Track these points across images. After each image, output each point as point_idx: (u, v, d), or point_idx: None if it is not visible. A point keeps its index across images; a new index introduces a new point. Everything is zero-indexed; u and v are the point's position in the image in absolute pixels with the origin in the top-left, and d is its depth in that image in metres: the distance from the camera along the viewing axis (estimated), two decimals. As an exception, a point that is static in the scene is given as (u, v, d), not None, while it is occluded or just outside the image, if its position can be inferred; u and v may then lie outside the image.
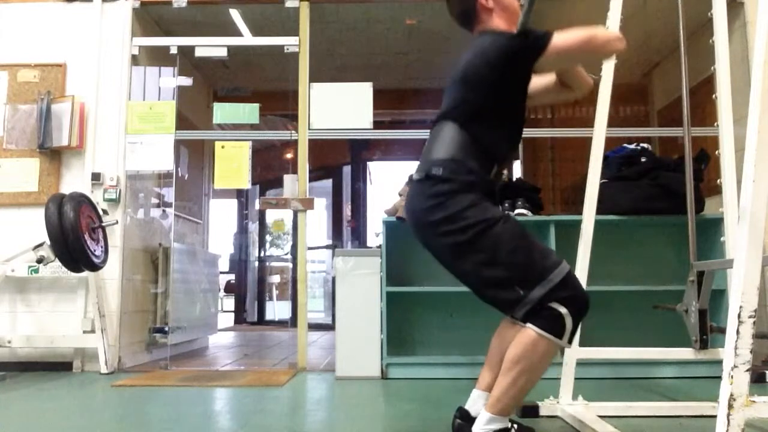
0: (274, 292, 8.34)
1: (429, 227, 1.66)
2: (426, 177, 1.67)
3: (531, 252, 1.60)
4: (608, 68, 2.26)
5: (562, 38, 1.60)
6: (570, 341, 1.58)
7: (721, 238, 2.44)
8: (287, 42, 3.70)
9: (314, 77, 3.70)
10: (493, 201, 1.69)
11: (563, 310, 1.54)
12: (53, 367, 3.43)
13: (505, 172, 2.05)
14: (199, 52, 3.78)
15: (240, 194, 7.86)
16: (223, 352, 4.62)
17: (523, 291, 1.56)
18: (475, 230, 1.59)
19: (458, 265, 1.67)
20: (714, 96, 2.33)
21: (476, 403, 1.76)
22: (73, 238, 2.95)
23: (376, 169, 7.41)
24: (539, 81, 1.84)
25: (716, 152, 2.38)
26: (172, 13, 3.97)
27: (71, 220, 2.95)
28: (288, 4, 3.71)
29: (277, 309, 8.13)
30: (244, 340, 5.67)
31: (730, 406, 1.18)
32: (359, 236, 6.90)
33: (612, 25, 2.26)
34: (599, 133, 2.28)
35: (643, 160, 3.22)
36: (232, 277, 8.24)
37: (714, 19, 2.30)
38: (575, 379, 2.24)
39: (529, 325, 1.56)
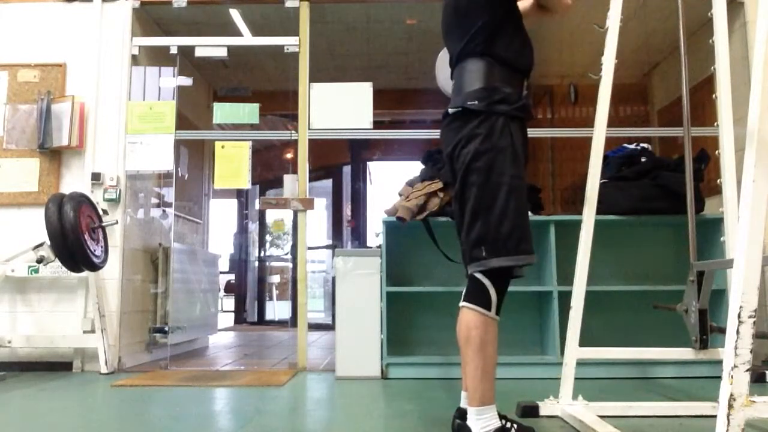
0: (274, 292, 8.34)
1: (463, 158, 1.69)
2: (463, 111, 1.70)
3: (524, 227, 1.67)
4: (608, 68, 2.26)
5: None
6: (498, 313, 1.66)
7: (721, 238, 2.44)
8: (287, 42, 3.70)
9: (314, 77, 3.70)
10: (524, 126, 1.75)
11: (486, 281, 1.64)
12: (53, 367, 3.43)
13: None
14: (199, 52, 3.78)
15: (240, 194, 7.87)
16: (223, 352, 4.62)
17: (486, 253, 1.64)
18: (499, 161, 1.65)
19: (464, 199, 1.71)
20: (714, 96, 2.33)
21: (465, 402, 1.78)
22: (73, 238, 2.95)
23: (376, 169, 7.42)
24: (519, 4, 1.89)
25: (716, 152, 2.38)
26: (172, 13, 3.97)
27: (71, 220, 2.95)
28: (288, 4, 3.71)
29: (277, 309, 8.13)
30: (244, 340, 5.67)
31: (730, 406, 1.18)
32: (359, 236, 6.90)
33: (612, 25, 2.26)
34: (599, 133, 2.28)
35: (643, 160, 3.22)
36: (232, 277, 8.25)
37: (714, 19, 2.30)
38: (575, 379, 2.24)
39: (462, 303, 1.67)
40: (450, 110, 1.74)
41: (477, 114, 1.67)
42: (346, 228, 7.15)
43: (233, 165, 3.61)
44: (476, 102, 1.67)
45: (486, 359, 1.62)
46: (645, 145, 3.32)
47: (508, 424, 1.65)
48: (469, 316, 1.66)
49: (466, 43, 1.75)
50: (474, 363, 1.63)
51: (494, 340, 1.65)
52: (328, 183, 7.37)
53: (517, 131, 1.71)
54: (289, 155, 4.33)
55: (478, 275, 1.65)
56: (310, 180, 3.69)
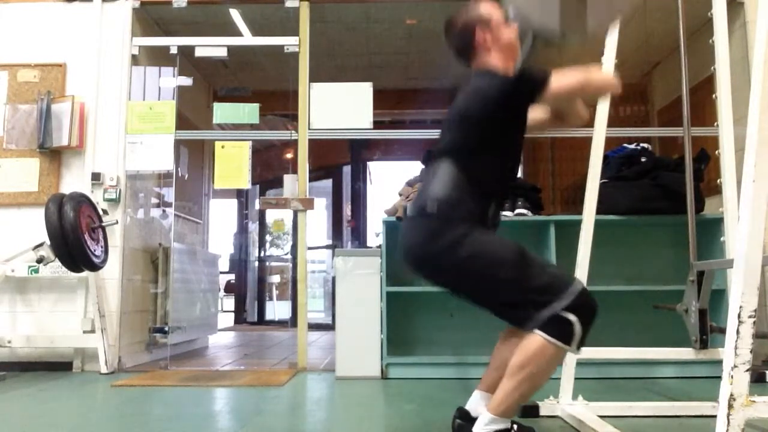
0: (274, 292, 8.34)
1: (427, 261, 1.67)
2: (419, 213, 1.67)
3: (533, 271, 1.60)
4: (608, 68, 2.26)
5: (558, 81, 1.60)
6: (579, 347, 1.56)
7: (721, 238, 2.44)
8: (287, 42, 3.70)
9: (314, 77, 3.70)
10: (486, 228, 1.69)
11: (572, 317, 1.53)
12: (53, 367, 3.43)
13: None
14: (199, 52, 3.78)
15: (240, 194, 7.86)
16: (223, 352, 4.62)
17: (533, 309, 1.55)
18: (474, 258, 1.60)
19: (461, 290, 1.71)
20: (714, 96, 2.33)
21: (477, 403, 1.76)
22: (73, 238, 2.95)
23: (376, 169, 7.42)
24: (534, 113, 1.84)
25: (716, 152, 2.38)
26: (172, 13, 3.97)
27: (71, 220, 2.95)
28: (288, 4, 3.71)
29: (277, 309, 8.13)
30: (244, 340, 5.67)
31: (730, 406, 1.18)
32: (359, 236, 6.90)
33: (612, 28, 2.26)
34: (599, 133, 2.28)
35: (643, 160, 3.22)
36: (232, 277, 8.24)
37: (714, 19, 2.30)
38: (575, 379, 2.24)
39: (537, 331, 1.55)
40: (409, 213, 1.73)
41: (437, 217, 1.63)
42: (346, 228, 7.15)
43: (233, 165, 3.61)
44: (435, 206, 1.63)
45: (532, 387, 1.58)
46: (645, 145, 3.32)
47: (510, 425, 1.65)
48: (538, 344, 1.54)
49: (448, 146, 1.72)
50: (518, 384, 1.56)
51: (553, 371, 1.58)
52: (328, 183, 7.37)
53: (472, 224, 1.65)
54: (289, 155, 4.32)
55: (562, 312, 1.54)
56: (310, 180, 3.69)
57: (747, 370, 1.19)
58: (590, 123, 2.32)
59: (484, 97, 1.69)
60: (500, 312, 1.67)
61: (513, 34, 1.77)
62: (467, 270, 1.62)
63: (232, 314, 8.10)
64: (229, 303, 8.84)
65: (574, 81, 1.62)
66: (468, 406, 1.79)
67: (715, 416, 1.23)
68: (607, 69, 2.25)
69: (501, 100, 1.66)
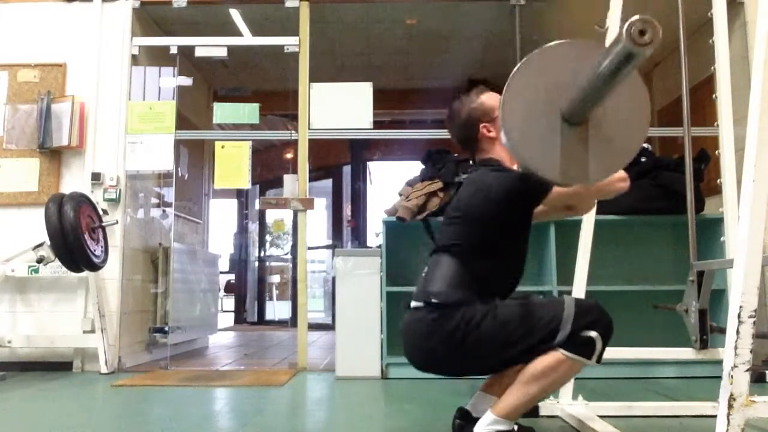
0: (274, 292, 8.34)
1: (433, 350, 1.63)
2: (424, 305, 1.64)
3: (533, 316, 1.58)
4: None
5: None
6: (599, 360, 1.55)
7: (721, 238, 2.43)
8: (287, 42, 3.70)
9: (314, 77, 3.70)
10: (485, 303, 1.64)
11: (593, 334, 1.53)
12: (53, 367, 3.43)
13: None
14: (199, 52, 3.78)
15: (240, 194, 7.87)
16: (223, 352, 4.62)
17: (547, 344, 1.55)
18: (474, 334, 1.57)
19: (481, 366, 1.67)
20: (714, 96, 2.33)
21: (479, 404, 1.76)
22: (73, 238, 2.95)
23: (376, 169, 7.42)
24: (542, 206, 1.80)
25: (716, 152, 2.38)
26: (172, 13, 3.97)
27: (71, 220, 2.95)
28: (288, 4, 3.71)
29: (277, 309, 8.13)
30: (244, 340, 5.67)
31: (730, 406, 1.19)
32: (359, 236, 6.90)
33: (612, 25, 2.26)
34: (599, 133, 2.28)
35: (643, 160, 3.22)
36: (232, 277, 8.25)
37: (714, 19, 2.30)
38: (575, 379, 2.24)
39: (560, 349, 1.54)
40: (412, 304, 1.69)
41: (439, 308, 1.61)
42: (346, 228, 7.15)
43: (233, 165, 3.61)
44: (438, 299, 1.61)
45: (542, 395, 1.58)
46: (645, 145, 3.32)
47: (513, 427, 1.64)
48: (559, 359, 1.53)
49: (453, 242, 1.69)
50: (529, 391, 1.56)
51: (567, 382, 1.59)
52: (328, 183, 7.37)
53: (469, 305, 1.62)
54: (289, 155, 4.33)
55: (582, 332, 1.53)
56: (310, 180, 3.69)
57: (747, 370, 1.19)
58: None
59: (489, 194, 1.65)
60: (527, 358, 1.61)
61: None
62: (485, 348, 1.58)
63: (232, 314, 8.10)
64: (229, 303, 8.84)
65: (578, 186, 1.60)
66: (469, 406, 1.79)
67: (715, 416, 1.23)
68: (612, 29, 2.22)
69: (506, 198, 1.63)
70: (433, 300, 1.62)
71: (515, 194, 1.63)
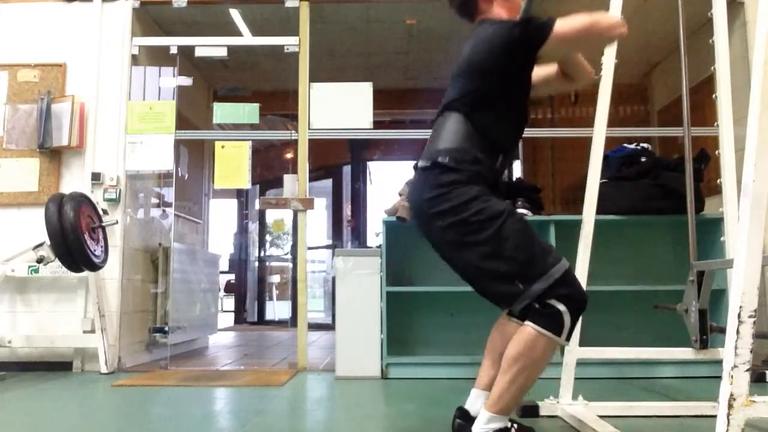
0: (274, 292, 8.34)
1: (433, 218, 1.66)
2: (432, 165, 1.67)
3: (533, 247, 1.60)
4: (608, 68, 2.26)
5: (564, 25, 1.60)
6: (568, 338, 1.58)
7: (721, 238, 2.44)
8: (287, 42, 3.70)
9: (314, 77, 3.70)
10: (497, 193, 1.69)
11: (562, 307, 1.55)
12: (53, 367, 3.43)
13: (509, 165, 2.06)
14: (199, 52, 3.78)
15: (240, 194, 7.87)
16: (223, 352, 4.62)
17: (522, 285, 1.56)
18: (479, 222, 1.59)
19: (460, 257, 1.67)
20: (714, 96, 2.33)
21: (476, 402, 1.76)
22: (73, 238, 2.95)
23: (376, 169, 7.42)
24: (540, 71, 1.84)
25: (716, 152, 2.38)
26: (172, 13, 3.97)
27: (71, 220, 2.95)
28: (288, 4, 3.71)
29: (277, 309, 8.14)
30: (244, 340, 5.67)
31: (730, 406, 1.18)
32: (359, 236, 6.90)
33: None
34: (599, 133, 2.28)
35: (643, 160, 3.22)
36: (232, 277, 8.24)
37: (714, 19, 2.30)
38: (575, 379, 2.24)
39: (528, 323, 1.56)
40: (420, 164, 1.72)
41: (445, 170, 1.63)
42: (346, 228, 7.15)
43: (233, 165, 3.61)
44: (447, 159, 1.64)
45: (528, 380, 1.58)
46: (645, 145, 3.32)
47: (509, 424, 1.65)
48: (530, 336, 1.55)
49: (456, 98, 1.72)
50: (513, 379, 1.57)
51: (546, 363, 1.58)
52: (328, 183, 7.37)
53: (483, 186, 1.65)
54: (289, 155, 4.33)
55: (552, 301, 1.55)
56: (310, 180, 3.69)
57: (747, 370, 1.19)
58: (590, 123, 2.32)
59: (490, 45, 1.68)
60: (488, 285, 1.65)
61: None
62: (468, 230, 1.61)
63: (232, 314, 8.10)
64: (229, 303, 8.84)
65: (580, 24, 1.61)
66: (467, 405, 1.79)
67: (715, 416, 1.23)
68: (612, 14, 2.22)
69: (507, 46, 1.65)
70: (441, 160, 1.64)
71: (517, 39, 1.64)
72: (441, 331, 3.40)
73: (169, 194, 4.30)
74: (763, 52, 1.26)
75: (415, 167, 1.76)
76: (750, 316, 1.21)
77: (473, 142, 1.66)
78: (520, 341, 1.56)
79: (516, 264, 1.58)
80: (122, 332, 3.53)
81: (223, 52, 3.76)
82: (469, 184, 1.62)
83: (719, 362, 1.33)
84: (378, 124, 3.75)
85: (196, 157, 5.20)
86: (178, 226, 4.71)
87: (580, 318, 1.64)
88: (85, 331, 3.41)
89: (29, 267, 3.35)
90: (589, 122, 2.36)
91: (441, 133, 1.71)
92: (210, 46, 3.77)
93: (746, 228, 1.23)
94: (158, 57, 3.95)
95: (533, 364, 1.56)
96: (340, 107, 3.66)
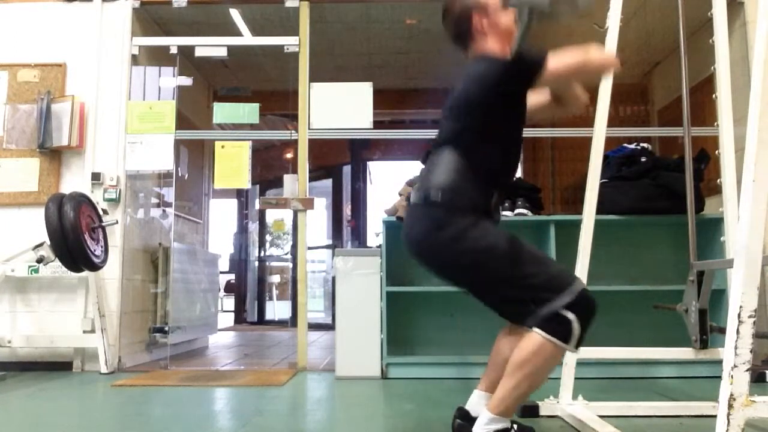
0: (274, 292, 8.34)
1: (430, 251, 1.66)
2: (424, 202, 1.66)
3: (535, 268, 1.60)
4: (609, 48, 2.26)
5: (556, 62, 1.58)
6: (577, 346, 1.56)
7: (721, 238, 2.44)
8: (287, 42, 3.70)
9: (314, 77, 3.70)
10: (491, 221, 1.68)
11: (571, 315, 1.53)
12: (53, 367, 3.43)
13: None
14: (199, 52, 3.78)
15: (240, 194, 7.86)
16: (223, 352, 4.62)
17: (535, 306, 1.55)
18: (478, 251, 1.60)
19: (464, 284, 1.70)
20: (714, 96, 2.33)
21: (477, 403, 1.76)
22: (73, 238, 2.95)
23: (376, 169, 7.41)
24: (533, 98, 1.83)
25: (716, 152, 2.38)
26: (172, 13, 3.97)
27: (71, 220, 2.95)
28: (288, 4, 3.71)
29: (277, 309, 8.13)
30: (244, 340, 5.67)
31: (730, 406, 1.18)
32: (359, 236, 6.90)
33: (612, 25, 2.26)
34: (599, 133, 2.28)
35: (643, 159, 3.22)
36: (232, 277, 8.24)
37: (714, 19, 2.30)
38: (575, 379, 2.24)
39: (536, 329, 1.55)
40: (412, 200, 1.71)
41: (437, 206, 1.63)
42: (346, 228, 7.15)
43: (233, 165, 3.61)
44: (439, 195, 1.63)
45: (531, 386, 1.58)
46: (645, 145, 3.32)
47: (510, 425, 1.65)
48: (537, 342, 1.54)
49: (449, 134, 1.71)
50: (517, 383, 1.56)
51: (552, 369, 1.58)
52: (328, 183, 7.37)
53: (477, 215, 1.65)
54: (289, 155, 4.33)
55: (561, 311, 1.53)
56: (310, 180, 3.69)
57: (747, 370, 1.19)
58: (590, 123, 2.32)
59: (483, 82, 1.67)
60: (501, 307, 1.68)
61: (510, 19, 1.74)
62: (470, 262, 1.61)
63: (232, 314, 8.10)
64: (229, 303, 8.84)
65: (572, 60, 1.60)
66: (468, 406, 1.79)
67: (715, 416, 1.23)
68: (607, 49, 2.23)
69: (500, 83, 1.64)
70: (433, 198, 1.64)
71: (509, 76, 1.63)
72: (441, 331, 3.40)
73: (169, 194, 4.30)
74: (763, 52, 1.26)
75: (408, 202, 1.75)
76: (750, 316, 1.21)
77: (467, 179, 1.65)
78: (527, 347, 1.55)
79: (521, 287, 1.58)
80: (122, 332, 3.53)
81: (223, 52, 3.76)
82: (463, 215, 1.62)
83: (719, 362, 1.33)
84: (378, 124, 3.75)
85: (196, 157, 5.20)
86: (178, 226, 4.71)
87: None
88: (85, 331, 3.41)
89: (29, 267, 3.35)
90: (589, 122, 2.36)
91: (434, 169, 1.70)
92: (210, 46, 3.77)
93: (746, 228, 1.23)
94: (158, 57, 3.95)
95: (538, 369, 1.56)
96: (340, 107, 3.66)
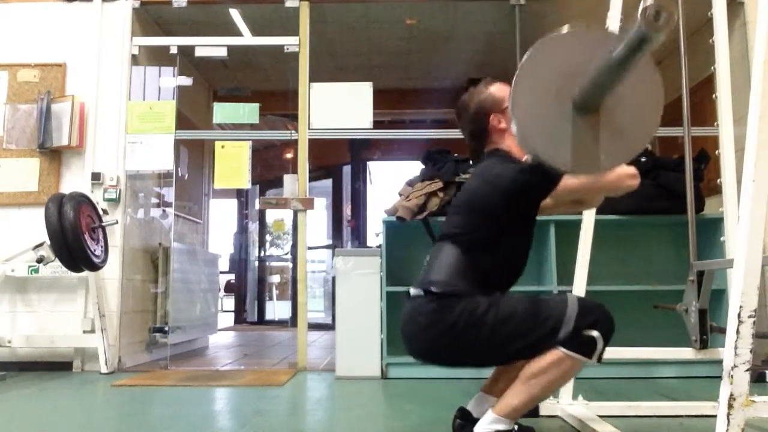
0: (274, 292, 8.34)
1: (433, 341, 1.63)
2: (424, 294, 1.64)
3: (536, 313, 1.57)
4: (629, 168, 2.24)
5: (571, 178, 1.57)
6: (599, 359, 1.54)
7: (721, 238, 2.43)
8: (287, 42, 3.70)
9: (314, 77, 3.70)
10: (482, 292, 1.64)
11: (595, 333, 1.52)
12: (53, 367, 3.43)
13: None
14: (199, 52, 3.78)
15: (240, 194, 7.86)
16: (223, 352, 4.62)
17: (549, 340, 1.54)
18: (476, 324, 1.56)
19: (481, 360, 1.68)
20: (714, 96, 2.33)
21: (480, 404, 1.76)
22: (73, 238, 2.95)
23: (376, 169, 7.42)
24: (549, 200, 1.77)
25: (716, 152, 2.38)
26: (172, 13, 3.97)
27: (71, 220, 2.95)
28: (288, 4, 3.71)
29: (277, 309, 8.14)
30: (244, 340, 5.67)
31: (730, 406, 1.19)
32: (359, 236, 6.90)
33: (612, 25, 2.26)
34: (599, 133, 2.28)
35: (642, 159, 3.22)
36: (232, 277, 8.25)
37: (714, 19, 2.30)
38: (575, 378, 2.24)
39: (560, 348, 1.53)
40: (412, 292, 1.70)
41: (436, 297, 1.61)
42: (346, 228, 7.15)
43: (233, 165, 3.61)
44: (439, 288, 1.61)
45: (544, 394, 1.57)
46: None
47: (513, 427, 1.64)
48: (559, 356, 1.52)
49: (455, 231, 1.69)
50: (530, 390, 1.55)
51: (569, 381, 1.57)
52: (328, 183, 7.37)
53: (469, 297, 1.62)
54: (289, 155, 4.33)
55: (584, 331, 1.51)
56: (310, 180, 3.69)
57: (747, 370, 1.19)
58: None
59: (495, 186, 1.64)
60: (523, 355, 1.61)
61: None
62: (473, 336, 1.57)
63: (232, 314, 8.10)
64: (229, 303, 8.84)
65: (587, 180, 1.59)
66: (469, 407, 1.79)
67: (715, 416, 1.23)
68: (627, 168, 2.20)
69: (513, 190, 1.61)
70: (433, 289, 1.61)
71: (523, 186, 1.61)
72: (441, 331, 3.39)
73: (169, 194, 4.30)
74: (763, 52, 1.26)
75: (408, 295, 1.72)
76: (750, 316, 1.21)
77: (467, 279, 1.62)
78: (550, 360, 1.53)
79: (531, 334, 1.55)
80: (122, 332, 3.53)
81: (223, 52, 3.76)
82: (459, 299, 1.59)
83: (719, 362, 1.33)
84: (378, 124, 3.75)
85: (196, 157, 5.20)
86: (178, 226, 4.71)
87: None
88: (85, 331, 3.41)
89: (29, 267, 3.35)
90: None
91: (435, 264, 1.68)
92: (210, 46, 3.77)
93: (746, 228, 1.23)
94: (158, 57, 3.95)
95: (555, 380, 1.55)
96: (340, 107, 3.66)
